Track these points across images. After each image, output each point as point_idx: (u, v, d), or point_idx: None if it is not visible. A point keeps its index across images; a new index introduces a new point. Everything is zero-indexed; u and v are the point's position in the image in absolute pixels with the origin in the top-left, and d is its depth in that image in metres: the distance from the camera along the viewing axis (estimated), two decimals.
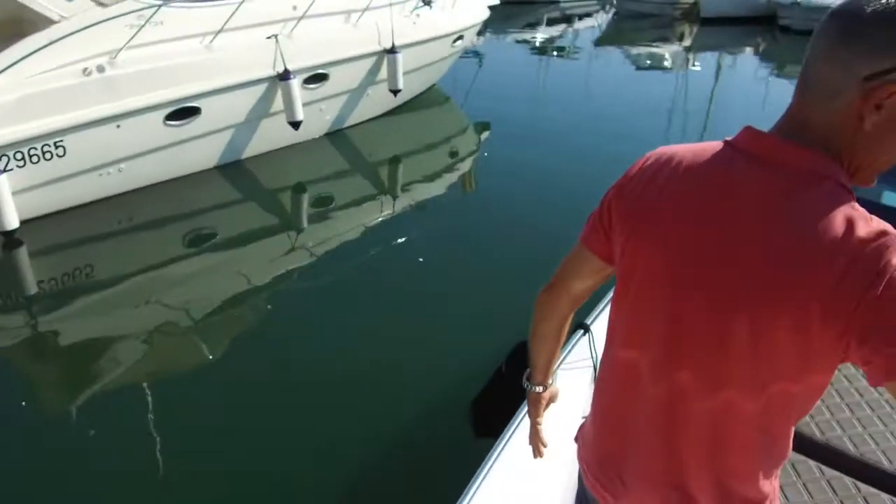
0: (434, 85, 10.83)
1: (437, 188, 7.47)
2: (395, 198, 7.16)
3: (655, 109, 11.32)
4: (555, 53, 17.66)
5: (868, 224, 0.93)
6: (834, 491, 1.99)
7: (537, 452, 1.59)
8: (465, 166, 8.24)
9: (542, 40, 19.49)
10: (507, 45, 18.16)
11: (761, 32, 22.22)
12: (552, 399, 1.57)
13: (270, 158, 7.90)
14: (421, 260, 5.68)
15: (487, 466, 1.98)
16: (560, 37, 20.95)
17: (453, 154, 8.66)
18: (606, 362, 1.27)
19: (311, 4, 7.60)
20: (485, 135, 9.52)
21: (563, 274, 1.36)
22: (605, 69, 16.34)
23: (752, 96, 14.10)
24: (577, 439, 1.42)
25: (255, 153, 7.83)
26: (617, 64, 17.03)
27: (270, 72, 7.37)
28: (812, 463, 2.08)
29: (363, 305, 4.96)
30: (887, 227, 0.94)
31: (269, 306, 4.92)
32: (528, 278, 5.41)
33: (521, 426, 2.14)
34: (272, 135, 7.86)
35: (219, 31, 6.88)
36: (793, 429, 1.13)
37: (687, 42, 21.25)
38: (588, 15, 25.95)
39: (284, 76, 7.39)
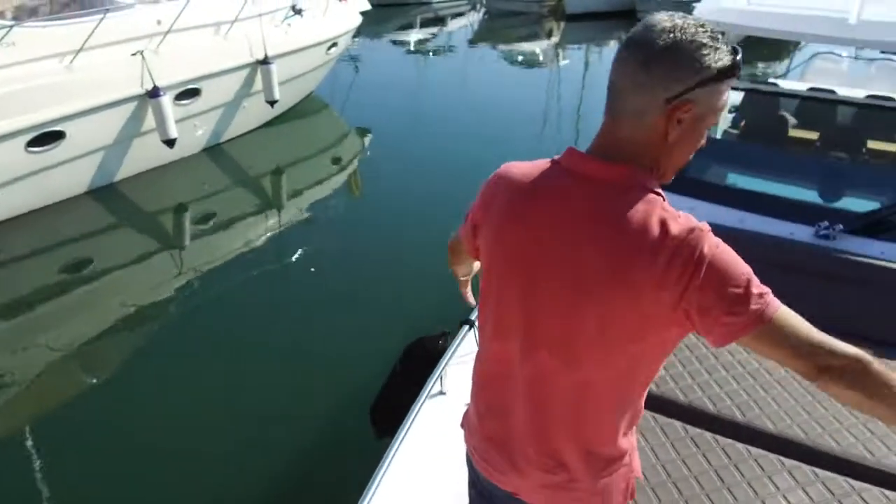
0: (311, 93, 10.79)
1: (324, 196, 7.48)
2: (280, 210, 7.11)
3: (531, 103, 11.80)
4: (431, 54, 17.94)
5: (678, 222, 1.13)
6: (697, 445, 2.23)
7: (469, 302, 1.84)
8: (350, 172, 8.29)
9: (417, 42, 19.73)
10: (382, 49, 18.26)
11: (624, 26, 23.47)
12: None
13: (146, 179, 7.63)
14: (313, 270, 5.70)
15: (386, 464, 2.08)
16: (434, 37, 21.27)
17: (336, 161, 8.68)
18: (482, 353, 1.42)
19: (176, 18, 7.39)
20: (367, 139, 9.59)
21: (452, 246, 1.62)
22: (481, 67, 16.77)
23: None
24: (462, 426, 1.54)
25: (128, 175, 7.54)
26: (492, 61, 17.52)
27: (138, 90, 7.12)
28: (678, 423, 2.32)
29: (256, 321, 4.93)
30: (694, 222, 1.14)
31: (155, 331, 4.80)
32: (419, 278, 5.63)
33: (415, 421, 2.26)
34: (146, 154, 7.60)
35: (79, 50, 6.58)
36: (645, 391, 1.32)
37: (556, 38, 22.16)
38: (460, 14, 26.46)
39: (154, 93, 7.16)
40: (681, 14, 1.13)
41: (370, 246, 6.21)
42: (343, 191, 7.74)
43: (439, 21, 24.63)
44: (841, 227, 3.06)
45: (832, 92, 5.06)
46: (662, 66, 1.09)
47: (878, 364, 1.13)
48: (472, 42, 20.64)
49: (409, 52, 18.05)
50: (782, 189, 3.77)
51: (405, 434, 2.19)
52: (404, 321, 4.43)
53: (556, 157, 1.26)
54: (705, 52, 1.09)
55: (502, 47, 19.37)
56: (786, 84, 5.89)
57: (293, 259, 5.91)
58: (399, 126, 10.31)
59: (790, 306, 1.13)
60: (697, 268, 1.09)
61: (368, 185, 7.92)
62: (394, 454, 2.12)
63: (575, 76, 16.12)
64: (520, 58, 18.07)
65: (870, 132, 4.38)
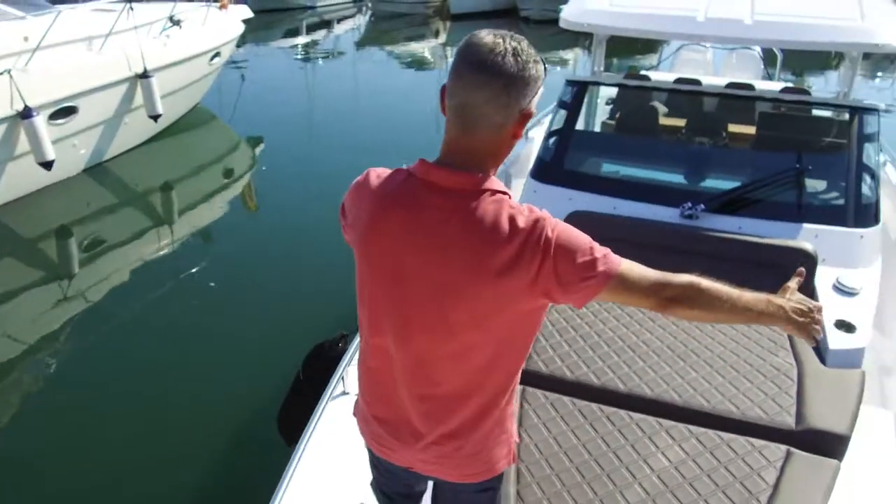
0: (197, 105, 10.51)
1: (218, 210, 7.34)
2: (173, 227, 6.94)
3: (422, 104, 11.96)
4: (319, 59, 17.81)
5: (524, 216, 1.32)
6: (584, 416, 2.42)
7: None
8: (244, 183, 8.17)
9: (304, 47, 19.53)
10: (269, 55, 17.96)
11: (506, 24, 24.05)
12: None
13: (24, 205, 7.22)
14: (212, 285, 5.62)
15: (292, 467, 2.15)
16: (321, 42, 21.13)
17: (229, 173, 8.53)
18: (363, 346, 1.56)
19: (44, 34, 7.04)
20: (259, 149, 9.47)
21: None
22: (370, 69, 16.82)
23: None
24: (354, 414, 1.69)
25: (3, 201, 7.12)
26: (382, 63, 17.61)
27: (8, 111, 6.74)
28: (566, 398, 2.51)
29: (156, 341, 4.83)
30: (537, 213, 1.33)
31: (45, 364, 4.60)
32: (318, 285, 5.66)
33: (320, 423, 2.33)
34: (21, 179, 7.20)
35: None
36: (520, 364, 1.49)
37: (442, 38, 22.49)
38: (346, 18, 26.38)
39: (26, 114, 6.79)
40: (506, 32, 1.31)
41: (268, 257, 6.17)
42: (237, 203, 7.63)
43: (325, 25, 24.47)
44: (702, 206, 3.35)
45: (697, 82, 5.47)
46: (519, 87, 1.29)
47: (708, 282, 1.37)
48: (360, 45, 20.65)
49: (296, 57, 17.86)
50: (653, 175, 4.08)
51: (310, 436, 2.26)
52: (305, 328, 4.45)
53: (408, 167, 1.40)
54: (539, 67, 1.32)
55: (391, 49, 19.49)
56: (656, 76, 6.29)
57: (190, 276, 5.79)
58: (291, 133, 10.23)
59: None
60: (546, 251, 1.29)
61: (263, 195, 7.84)
62: (300, 456, 2.19)
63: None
64: (409, 59, 18.25)
65: (730, 117, 4.78)
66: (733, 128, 4.61)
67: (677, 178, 4.00)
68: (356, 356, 2.73)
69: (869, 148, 3.61)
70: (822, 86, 12.81)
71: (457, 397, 1.46)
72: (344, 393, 2.54)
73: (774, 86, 5.85)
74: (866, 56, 7.05)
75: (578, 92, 4.11)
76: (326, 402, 2.41)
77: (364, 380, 1.60)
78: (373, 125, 10.58)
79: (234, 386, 4.22)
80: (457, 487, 1.60)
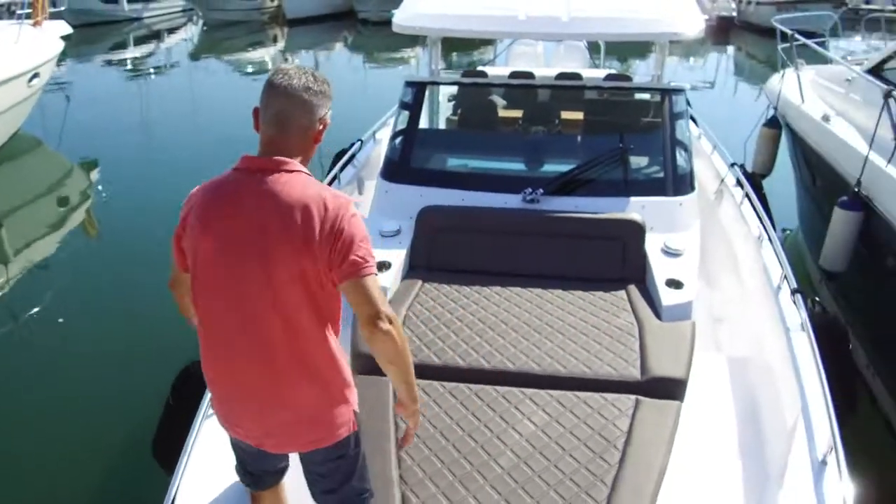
0: (18, 131, 9.70)
1: (57, 241, 6.85)
2: (8, 264, 6.40)
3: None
4: (151, 73, 16.97)
5: (332, 198, 1.66)
6: (454, 397, 2.57)
7: None
8: (82, 210, 7.68)
9: (133, 61, 18.50)
10: (96, 73, 16.87)
11: (346, 27, 24.10)
12: None
13: None
14: (61, 320, 5.26)
15: (173, 491, 2.11)
16: (152, 55, 20.12)
17: (63, 201, 7.97)
18: (202, 340, 1.81)
19: None
20: (95, 173, 8.91)
21: (172, 285, 1.96)
22: (208, 80, 16.27)
23: (354, 82, 15.41)
24: (213, 409, 1.90)
25: None
26: (219, 73, 17.07)
27: None
28: (436, 383, 2.63)
29: (7, 387, 4.47)
30: (343, 198, 1.67)
31: None
32: (172, 306, 5.41)
33: (196, 444, 2.31)
34: None
35: None
36: (339, 329, 1.78)
37: (281, 44, 22.11)
38: (176, 29, 25.25)
39: None
40: (301, 66, 1.79)
41: (116, 283, 5.85)
42: (78, 231, 7.16)
43: (155, 37, 23.30)
44: (542, 190, 3.62)
45: (531, 74, 5.82)
46: (318, 101, 1.74)
47: (404, 343, 1.67)
48: (195, 56, 19.88)
49: (126, 73, 16.89)
50: (496, 165, 4.32)
51: (187, 459, 2.24)
52: (168, 353, 4.31)
53: (235, 165, 1.75)
54: (329, 88, 1.78)
55: (228, 58, 18.91)
56: (493, 70, 6.61)
57: (35, 313, 5.39)
58: (128, 153, 9.69)
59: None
60: (339, 234, 1.63)
61: (104, 220, 7.42)
62: (179, 480, 2.17)
63: None
64: (249, 68, 17.80)
65: (562, 106, 5.14)
66: (565, 115, 4.96)
67: (518, 167, 4.27)
68: None
69: (681, 124, 4.04)
70: (644, 70, 13.91)
71: (290, 369, 1.71)
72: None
73: (600, 73, 6.34)
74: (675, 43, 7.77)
75: (417, 92, 4.27)
76: (200, 423, 2.39)
77: (209, 375, 1.83)
78: (214, 138, 10.26)
79: (102, 422, 4.01)
80: (309, 458, 1.85)
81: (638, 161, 4.00)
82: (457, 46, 15.79)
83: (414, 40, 19.47)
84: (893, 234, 3.91)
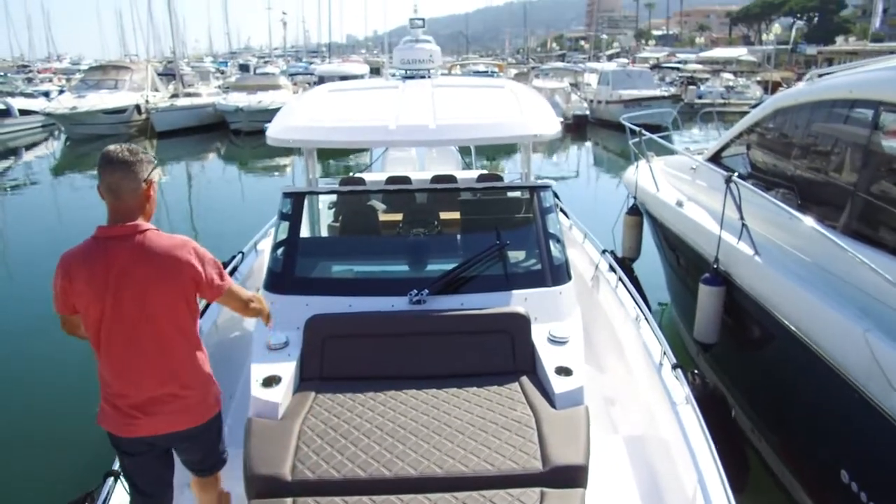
0: None
1: None
2: None
3: None
4: (8, 191, 16.00)
5: (183, 243, 2.44)
6: None
7: None
8: None
9: None
10: None
11: (218, 137, 23.94)
12: None
13: None
14: None
15: None
16: (9, 171, 19.05)
17: None
18: (99, 356, 2.44)
19: None
20: None
21: (65, 327, 2.55)
22: (72, 195, 15.54)
23: (231, 193, 15.14)
24: (100, 422, 2.48)
25: None
26: (85, 189, 16.30)
27: None
28: (310, 499, 2.48)
29: None
30: (184, 238, 2.46)
31: None
32: (50, 444, 4.95)
33: None
34: None
35: None
36: (194, 328, 2.57)
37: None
38: (36, 144, 24.14)
39: None
40: (127, 145, 2.44)
41: None
42: None
43: (11, 153, 22.13)
44: (427, 291, 3.65)
45: (407, 178, 5.98)
46: (140, 166, 2.39)
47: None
48: (57, 172, 19.03)
49: None
50: (380, 269, 4.35)
51: None
52: (44, 495, 3.90)
53: (93, 234, 2.38)
54: (148, 155, 2.46)
55: (93, 174, 18.16)
56: (370, 176, 6.76)
57: None
58: None
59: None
60: (199, 271, 2.44)
61: None
62: None
63: (180, 191, 15.94)
64: None
65: (439, 207, 5.31)
66: (444, 215, 5.12)
67: (403, 269, 4.32)
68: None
69: (551, 218, 4.26)
70: (512, 167, 14.70)
71: (166, 365, 2.45)
72: None
73: (472, 174, 6.63)
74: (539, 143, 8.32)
75: (296, 203, 4.26)
76: None
77: (105, 380, 2.45)
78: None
79: None
80: (185, 434, 2.53)
81: (516, 255, 4.16)
82: (333, 153, 16.06)
83: (289, 149, 19.64)
84: (753, 303, 4.25)
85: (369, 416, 2.98)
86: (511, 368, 3.34)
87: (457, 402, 3.09)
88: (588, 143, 23.90)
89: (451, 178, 6.01)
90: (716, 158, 5.93)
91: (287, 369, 3.24)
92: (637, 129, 6.98)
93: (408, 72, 5.47)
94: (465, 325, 3.48)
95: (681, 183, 6.43)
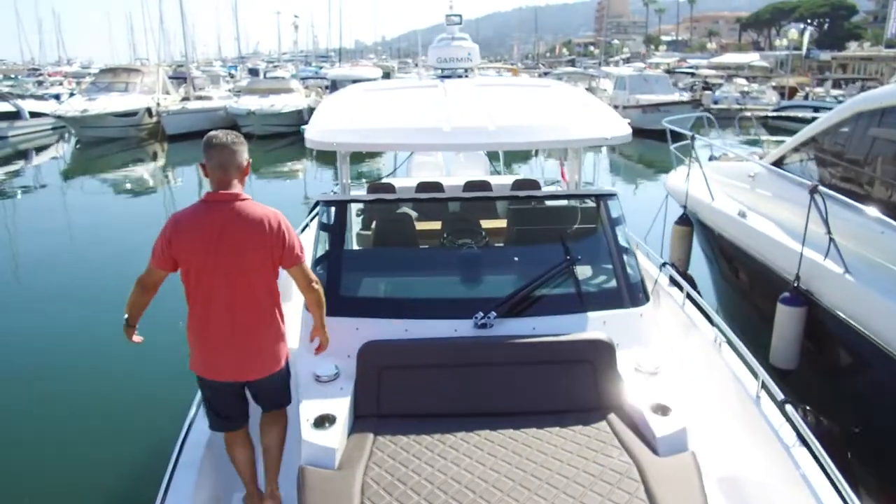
0: None
1: None
2: None
3: (151, 232, 10.89)
4: (19, 194, 15.66)
5: (274, 214, 2.75)
6: None
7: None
8: None
9: None
10: None
11: None
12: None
13: None
14: None
15: None
16: (20, 175, 18.74)
17: None
18: (191, 308, 2.76)
19: None
20: None
21: (145, 281, 2.83)
22: (83, 199, 15.22)
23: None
24: (192, 368, 2.81)
25: None
26: (96, 193, 16.00)
27: None
28: None
29: None
30: (277, 212, 2.77)
31: None
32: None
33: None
34: None
35: None
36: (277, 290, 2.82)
37: (161, 160, 21.26)
38: (46, 147, 23.83)
39: None
40: (227, 130, 2.84)
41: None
42: None
43: (21, 156, 21.81)
44: (494, 313, 3.22)
45: (439, 184, 5.57)
46: (241, 150, 2.78)
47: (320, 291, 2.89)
48: (68, 175, 18.70)
49: None
50: (437, 287, 3.89)
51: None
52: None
53: (201, 198, 2.76)
54: (244, 140, 2.86)
55: (105, 177, 17.88)
56: (399, 182, 6.34)
57: None
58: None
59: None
60: (285, 239, 2.73)
61: None
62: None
63: (192, 196, 15.55)
64: (128, 186, 16.86)
65: (478, 214, 4.89)
66: (486, 223, 4.68)
67: (461, 287, 3.85)
68: None
69: (621, 229, 3.83)
70: (528, 172, 14.26)
71: (252, 321, 2.75)
72: None
73: (507, 179, 6.21)
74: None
75: (339, 212, 3.84)
76: None
77: (197, 330, 2.76)
78: (94, 261, 9.40)
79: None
80: (258, 381, 2.83)
81: (583, 272, 3.73)
82: (352, 157, 15.61)
83: (301, 152, 19.25)
84: (842, 325, 3.85)
85: (441, 465, 2.56)
86: (595, 404, 2.92)
87: (539, 445, 2.67)
88: (604, 149, 23.44)
89: (486, 184, 5.61)
90: (777, 165, 5.51)
91: (340, 406, 2.81)
92: (688, 133, 6.54)
93: (444, 71, 5.07)
94: (540, 354, 3.05)
95: (737, 191, 6.01)
